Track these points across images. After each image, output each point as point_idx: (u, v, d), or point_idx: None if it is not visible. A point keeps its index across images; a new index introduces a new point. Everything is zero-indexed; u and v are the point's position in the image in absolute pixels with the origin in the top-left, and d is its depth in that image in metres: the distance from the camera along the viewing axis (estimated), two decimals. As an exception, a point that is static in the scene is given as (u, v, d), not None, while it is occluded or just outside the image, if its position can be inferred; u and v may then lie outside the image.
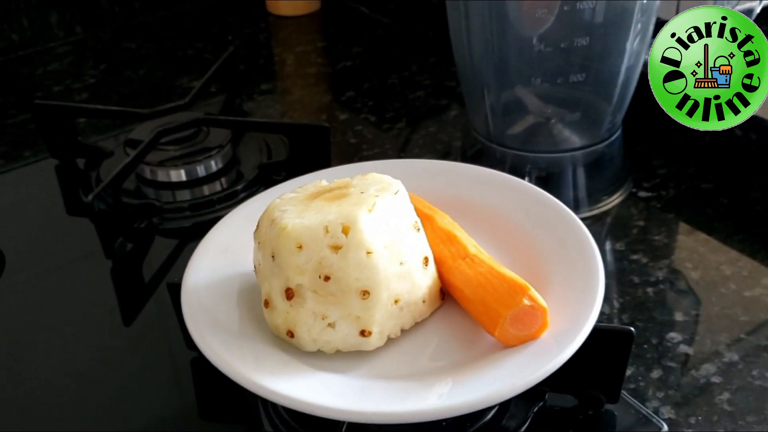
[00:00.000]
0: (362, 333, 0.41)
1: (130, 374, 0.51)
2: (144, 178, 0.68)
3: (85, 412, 0.49)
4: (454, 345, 0.43)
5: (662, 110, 0.67)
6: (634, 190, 0.64)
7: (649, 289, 0.55)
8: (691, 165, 0.66)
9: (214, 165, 0.68)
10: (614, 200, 0.63)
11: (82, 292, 0.59)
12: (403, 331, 0.43)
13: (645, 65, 0.63)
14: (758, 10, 0.56)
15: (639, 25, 0.58)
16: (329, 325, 0.41)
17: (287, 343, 0.42)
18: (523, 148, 0.62)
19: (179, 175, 0.67)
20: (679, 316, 0.53)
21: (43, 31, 0.98)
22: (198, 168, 0.67)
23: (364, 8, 1.01)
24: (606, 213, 0.62)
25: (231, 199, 0.66)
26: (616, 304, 0.54)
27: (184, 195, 0.67)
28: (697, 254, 0.58)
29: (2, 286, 0.59)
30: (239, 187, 0.67)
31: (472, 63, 0.61)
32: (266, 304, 0.42)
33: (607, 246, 0.59)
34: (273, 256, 0.41)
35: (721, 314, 0.52)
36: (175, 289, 0.47)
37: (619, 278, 0.56)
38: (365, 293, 0.41)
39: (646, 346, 0.50)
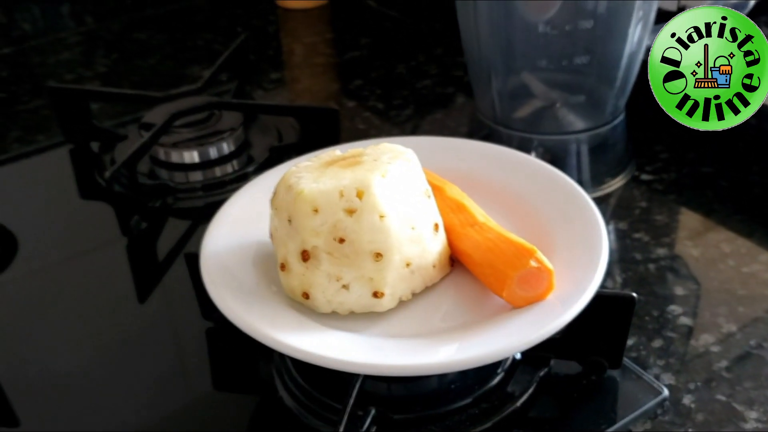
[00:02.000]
0: (375, 294, 0.43)
1: (146, 349, 0.53)
2: (158, 160, 0.69)
3: (101, 388, 0.50)
4: (463, 307, 0.45)
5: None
6: (636, 173, 0.66)
7: (651, 266, 0.56)
8: (691, 150, 0.68)
9: (226, 147, 0.69)
10: (617, 182, 0.65)
11: (96, 274, 0.60)
12: (414, 294, 0.45)
13: (647, 52, 0.65)
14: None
15: (641, 12, 0.60)
16: (343, 286, 0.43)
17: (302, 305, 0.44)
18: (529, 131, 0.64)
19: (192, 156, 0.69)
20: (679, 291, 0.54)
21: (55, 21, 0.99)
22: (210, 150, 0.69)
23: (372, 1, 1.03)
24: (609, 195, 0.64)
25: (242, 181, 0.67)
26: (618, 279, 0.55)
27: (197, 176, 0.68)
28: (697, 233, 0.60)
29: (15, 270, 0.60)
30: (250, 169, 0.69)
31: (480, 47, 0.63)
32: (282, 267, 0.44)
33: (611, 225, 0.60)
34: (290, 220, 0.43)
35: (720, 289, 0.54)
36: (193, 259, 0.49)
37: (621, 255, 0.57)
38: (378, 255, 0.42)
39: (647, 318, 0.52)
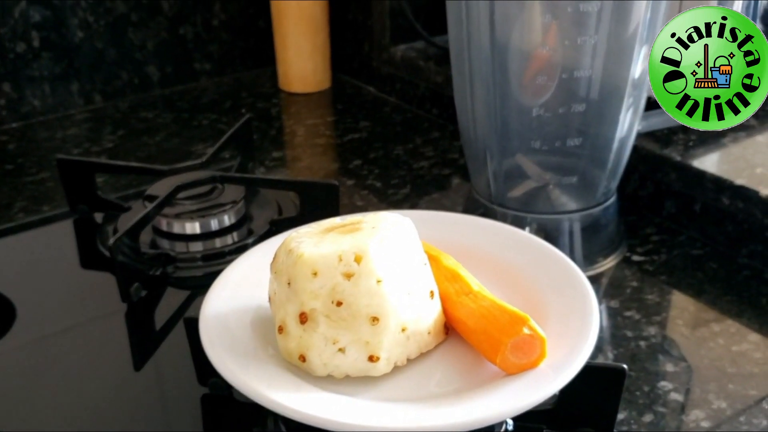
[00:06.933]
0: (371, 358, 0.44)
1: (141, 414, 0.53)
2: (160, 230, 0.71)
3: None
4: (457, 374, 0.45)
5: (654, 183, 0.71)
6: (628, 254, 0.67)
7: (642, 343, 0.57)
8: (682, 233, 0.70)
9: (227, 219, 0.71)
10: (609, 262, 0.66)
11: (93, 342, 0.61)
12: (409, 360, 0.46)
13: (637, 137, 0.67)
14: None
15: (631, 99, 0.63)
16: (340, 350, 0.44)
17: (299, 368, 0.45)
18: (523, 210, 0.66)
19: (194, 227, 0.70)
20: (669, 367, 0.55)
21: (64, 98, 1.02)
22: (212, 222, 0.70)
23: (372, 88, 1.07)
24: (601, 274, 0.65)
25: (241, 252, 0.68)
26: (610, 355, 0.56)
27: (197, 246, 0.70)
28: (688, 313, 0.61)
29: (11, 339, 0.61)
30: (250, 241, 0.70)
31: (476, 128, 0.65)
32: (280, 330, 0.45)
33: (602, 304, 0.61)
34: (289, 283, 0.44)
35: (710, 366, 0.55)
36: (191, 323, 0.50)
37: (613, 332, 0.58)
38: (375, 319, 0.43)
39: (638, 393, 0.52)
